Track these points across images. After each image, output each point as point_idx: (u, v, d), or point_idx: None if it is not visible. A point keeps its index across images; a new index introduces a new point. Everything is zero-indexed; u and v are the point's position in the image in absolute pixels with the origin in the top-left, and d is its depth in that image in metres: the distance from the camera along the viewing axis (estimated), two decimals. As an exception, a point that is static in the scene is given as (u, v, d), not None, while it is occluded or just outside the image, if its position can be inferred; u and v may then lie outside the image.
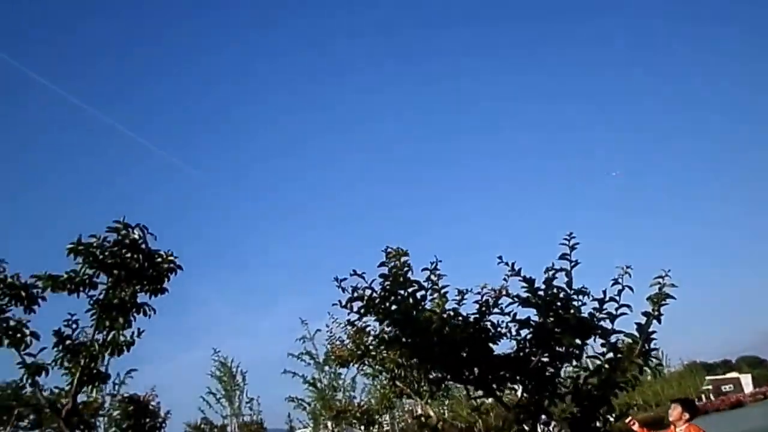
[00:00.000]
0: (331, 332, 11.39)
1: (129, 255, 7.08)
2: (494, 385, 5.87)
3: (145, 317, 7.29)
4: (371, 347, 10.48)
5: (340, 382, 14.86)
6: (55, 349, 7.31)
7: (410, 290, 5.73)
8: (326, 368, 14.61)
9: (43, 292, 7.14)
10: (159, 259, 7.30)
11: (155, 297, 7.51)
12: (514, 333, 5.83)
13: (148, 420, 10.56)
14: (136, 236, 7.07)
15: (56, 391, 8.92)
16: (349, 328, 10.64)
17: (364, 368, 11.15)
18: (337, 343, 11.30)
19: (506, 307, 5.82)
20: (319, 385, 14.45)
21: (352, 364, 11.24)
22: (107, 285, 7.10)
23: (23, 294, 7.21)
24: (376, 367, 10.63)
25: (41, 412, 10.75)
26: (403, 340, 5.85)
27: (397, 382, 10.57)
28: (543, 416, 5.58)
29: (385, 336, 6.25)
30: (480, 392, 6.08)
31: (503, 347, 6.48)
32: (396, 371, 10.16)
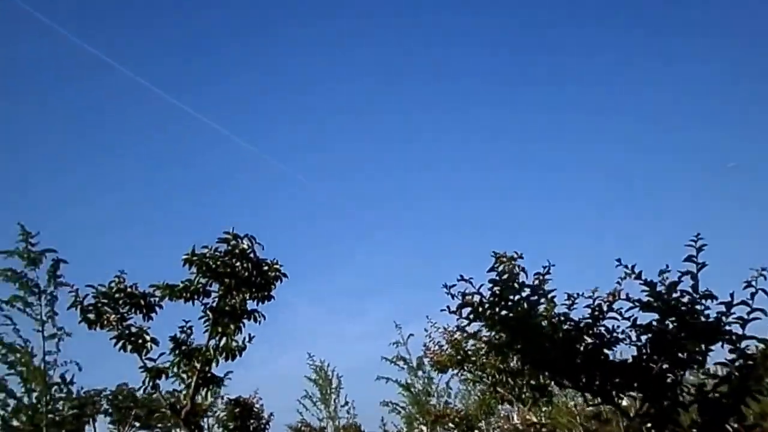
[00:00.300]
0: (429, 337, 11.59)
1: (239, 264, 7.55)
2: (613, 393, 5.85)
3: (255, 323, 7.77)
4: (470, 352, 10.62)
5: (434, 386, 15.06)
6: (172, 353, 7.93)
7: (524, 295, 5.80)
8: (419, 373, 14.85)
9: (161, 300, 7.75)
10: (266, 268, 7.74)
11: (262, 304, 7.98)
12: (634, 338, 5.78)
13: (252, 421, 11.18)
14: (245, 246, 7.53)
15: (169, 393, 9.60)
16: (447, 333, 10.83)
17: (464, 374, 11.28)
18: (435, 348, 11.48)
19: (626, 311, 5.77)
20: (412, 389, 14.72)
21: (451, 369, 11.41)
22: (219, 293, 7.60)
23: (142, 303, 7.86)
24: (476, 372, 10.74)
25: (154, 413, 11.56)
26: (516, 346, 5.92)
27: (498, 388, 10.62)
28: (669, 425, 5.50)
29: (495, 342, 6.33)
30: (598, 399, 6.05)
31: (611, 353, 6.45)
32: (497, 377, 10.23)
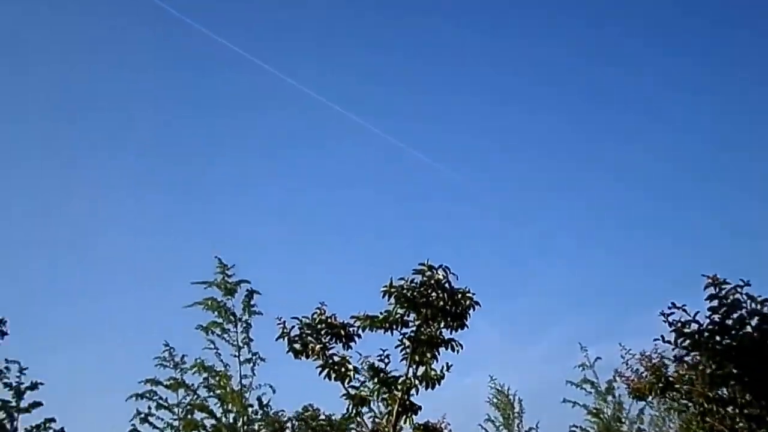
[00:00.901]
0: (626, 364, 11.47)
1: (434, 294, 8.16)
2: None
3: (452, 352, 8.32)
4: (672, 379, 10.38)
5: (624, 412, 14.80)
6: (371, 381, 8.71)
7: (754, 324, 5.78)
8: (609, 398, 14.67)
9: (362, 330, 8.55)
10: (459, 297, 8.27)
11: (456, 332, 8.51)
12: None
13: (441, 447, 11.71)
14: (440, 276, 8.13)
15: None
16: (644, 359, 10.68)
17: (667, 402, 11.05)
18: (632, 375, 11.34)
19: None
20: (602, 415, 14.55)
21: (651, 397, 11.21)
22: (417, 323, 8.26)
23: (342, 332, 8.73)
24: (681, 401, 10.48)
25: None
26: (744, 378, 5.91)
27: (707, 418, 10.26)
28: None
29: (717, 373, 6.33)
30: None
31: None
32: (706, 406, 9.91)
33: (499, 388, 15.73)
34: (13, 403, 12.37)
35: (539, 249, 34.87)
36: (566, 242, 35.33)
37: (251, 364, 12.25)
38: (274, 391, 12.51)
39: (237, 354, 12.22)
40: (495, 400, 15.64)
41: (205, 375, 12.45)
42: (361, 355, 8.84)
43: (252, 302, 12.21)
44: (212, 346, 12.13)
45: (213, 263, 12.33)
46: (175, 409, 13.04)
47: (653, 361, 10.71)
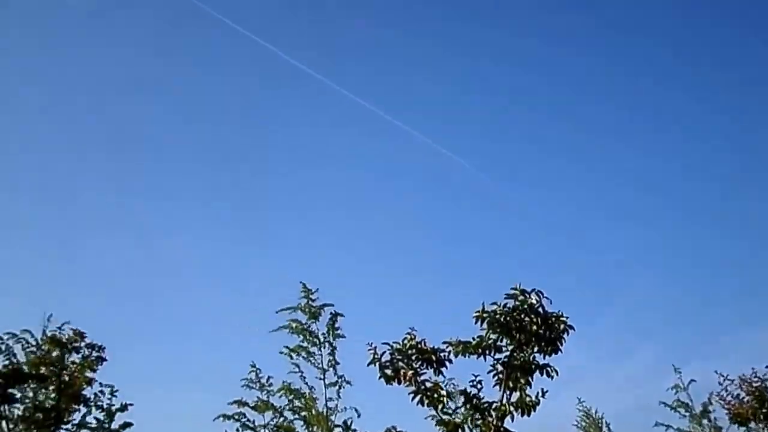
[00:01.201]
0: (726, 390, 11.18)
1: (527, 319, 8.20)
2: None
3: (548, 378, 8.33)
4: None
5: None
6: (464, 407, 8.79)
7: None
8: (704, 422, 14.23)
9: (454, 356, 8.66)
10: (553, 320, 8.29)
11: (549, 357, 8.51)
12: None
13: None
14: (533, 301, 8.18)
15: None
16: (745, 384, 10.43)
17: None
18: (732, 399, 11.03)
19: None
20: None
21: (754, 422, 10.89)
22: (511, 348, 8.31)
23: (433, 358, 8.86)
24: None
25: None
26: None
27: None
28: None
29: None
30: None
31: None
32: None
33: (587, 411, 15.51)
34: (106, 424, 13.07)
35: (624, 265, 34.08)
36: (647, 266, 34.36)
37: (336, 387, 12.44)
38: (359, 415, 12.66)
39: (322, 377, 12.46)
40: (582, 424, 15.44)
41: (290, 397, 12.72)
42: (445, 377, 8.96)
43: (336, 325, 12.48)
44: (297, 369, 12.43)
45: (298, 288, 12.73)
46: (262, 431, 13.35)
47: (755, 385, 10.44)
